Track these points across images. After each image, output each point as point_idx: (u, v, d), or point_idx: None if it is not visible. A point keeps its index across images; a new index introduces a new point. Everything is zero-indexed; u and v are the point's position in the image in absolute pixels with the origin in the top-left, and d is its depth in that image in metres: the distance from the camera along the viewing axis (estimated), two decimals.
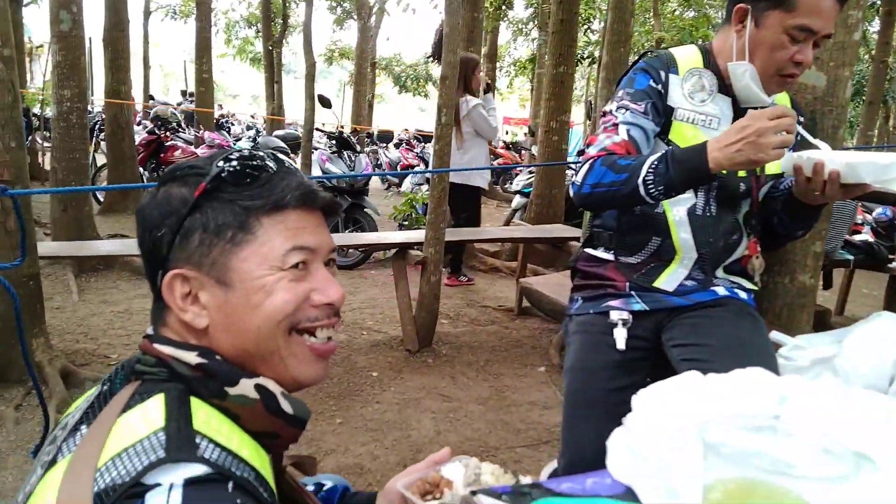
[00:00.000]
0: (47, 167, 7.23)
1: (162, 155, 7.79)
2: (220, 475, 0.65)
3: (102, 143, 8.26)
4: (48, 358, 3.12)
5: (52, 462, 0.69)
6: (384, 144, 14.64)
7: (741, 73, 1.46)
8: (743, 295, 1.59)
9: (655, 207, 1.54)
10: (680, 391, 0.73)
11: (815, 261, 1.91)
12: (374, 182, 11.97)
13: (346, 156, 6.36)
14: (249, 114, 24.41)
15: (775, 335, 1.66)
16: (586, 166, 1.47)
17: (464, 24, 5.75)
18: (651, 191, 1.37)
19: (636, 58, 1.62)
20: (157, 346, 0.77)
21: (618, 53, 3.79)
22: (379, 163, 12.76)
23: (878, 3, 10.15)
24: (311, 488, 1.07)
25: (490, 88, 5.08)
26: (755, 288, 1.65)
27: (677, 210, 1.53)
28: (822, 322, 5.14)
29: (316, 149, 7.48)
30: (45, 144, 9.00)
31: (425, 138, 14.29)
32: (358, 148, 6.56)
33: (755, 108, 1.48)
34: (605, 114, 1.57)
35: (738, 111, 1.52)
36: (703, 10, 14.23)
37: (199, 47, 12.07)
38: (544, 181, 6.43)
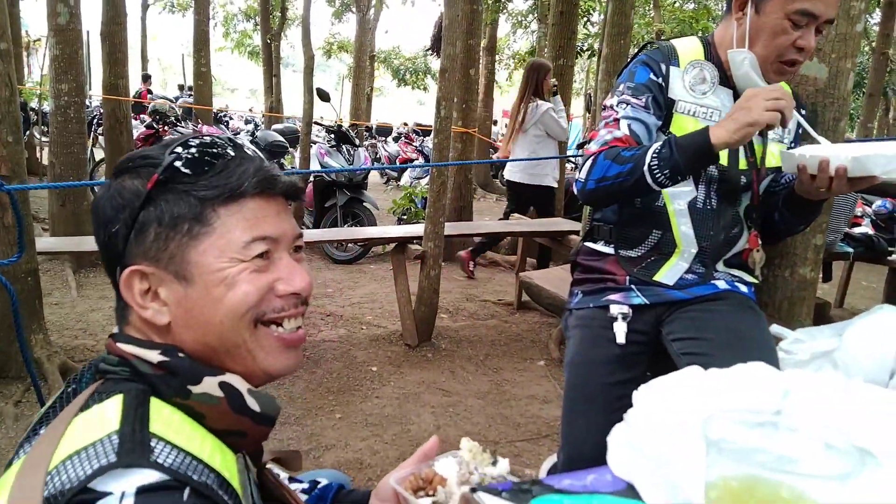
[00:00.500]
0: (45, 162, 7.21)
1: None
2: (175, 482, 0.62)
3: (100, 138, 8.23)
4: (47, 354, 3.12)
5: (9, 463, 0.68)
6: (383, 138, 14.60)
7: (740, 61, 1.46)
8: (743, 288, 1.59)
9: (656, 200, 1.53)
10: (681, 386, 0.73)
11: (816, 254, 1.90)
12: (373, 176, 11.95)
13: (344, 150, 6.34)
14: (247, 108, 24.35)
15: (776, 328, 1.66)
16: (589, 162, 1.47)
17: (463, 17, 5.72)
18: (657, 176, 1.36)
19: (637, 49, 1.61)
20: (119, 344, 0.75)
21: (618, 45, 3.76)
22: (378, 157, 12.73)
23: None
24: (305, 486, 1.05)
25: (557, 91, 5.19)
26: (756, 281, 1.64)
27: (678, 203, 1.52)
28: (821, 315, 5.13)
29: (314, 143, 7.46)
30: (43, 139, 8.97)
31: (424, 132, 14.25)
32: (357, 142, 6.53)
33: None
34: (605, 108, 1.56)
35: None
36: (703, 2, 14.17)
37: (196, 40, 12.01)
38: None
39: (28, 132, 8.19)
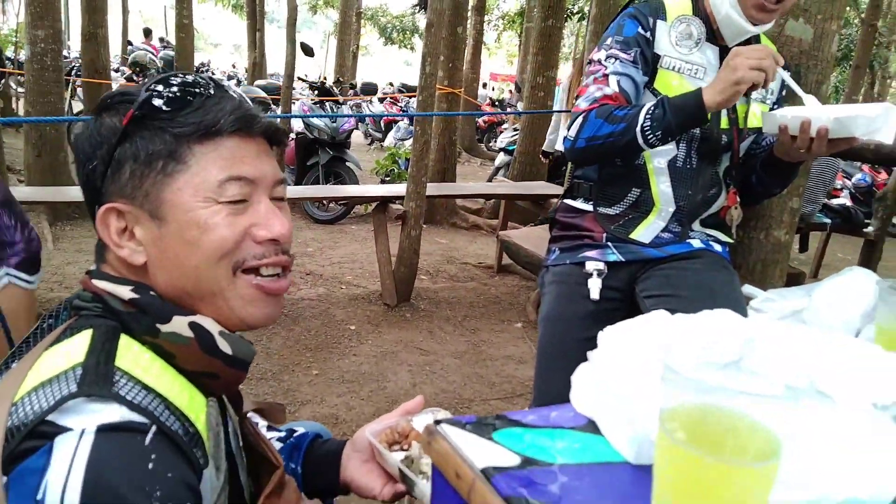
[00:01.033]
0: (21, 113, 7.03)
1: None
2: (136, 423, 0.61)
3: (79, 90, 8.03)
4: None
5: None
6: (368, 98, 14.42)
7: (720, 3, 1.44)
8: (717, 248, 1.60)
9: (636, 158, 1.52)
10: (646, 328, 0.73)
11: (791, 216, 1.91)
12: (357, 137, 11.82)
13: (328, 107, 6.25)
14: (230, 63, 23.85)
15: (748, 289, 1.67)
16: (580, 119, 1.46)
17: None
18: (649, 137, 1.38)
19: (627, 1, 1.58)
20: (94, 281, 0.74)
21: (606, 6, 3.72)
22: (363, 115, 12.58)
23: None
24: (282, 434, 1.05)
25: None
26: (731, 241, 1.65)
27: (658, 161, 1.52)
28: (797, 285, 5.22)
29: (297, 99, 7.34)
30: (19, 90, 8.74)
31: (410, 93, 14.09)
32: (340, 99, 6.44)
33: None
34: (593, 62, 1.53)
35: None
36: None
37: None
38: (529, 138, 6.38)
39: (3, 81, 7.96)
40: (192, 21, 12.26)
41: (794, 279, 5.26)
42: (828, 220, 5.60)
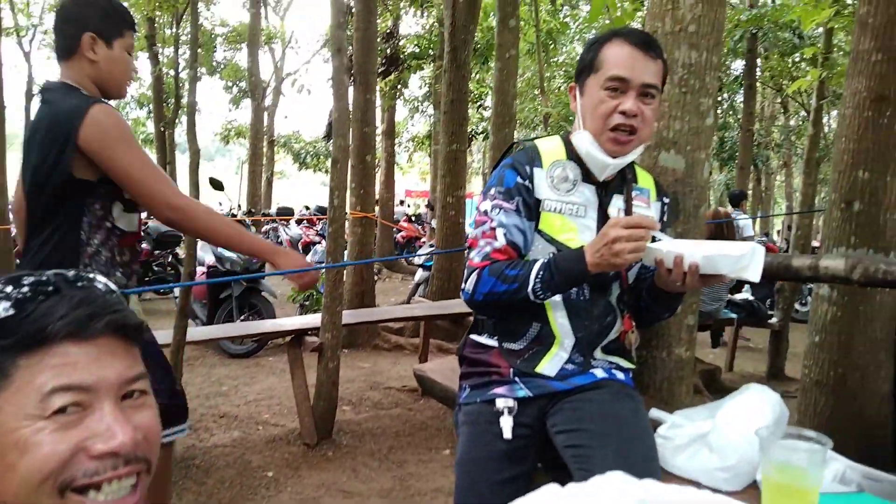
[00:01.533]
0: None
1: None
2: None
3: None
4: None
5: None
6: (285, 220, 14.44)
7: (580, 141, 1.55)
8: (620, 375, 1.61)
9: None
10: None
11: (689, 334, 1.98)
12: None
13: None
14: None
15: (655, 413, 1.69)
16: (474, 276, 1.52)
17: (357, 106, 5.85)
18: (540, 295, 1.47)
19: (504, 151, 1.67)
20: None
21: (503, 133, 3.94)
22: (280, 240, 12.54)
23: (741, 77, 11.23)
24: None
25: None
26: (633, 366, 1.68)
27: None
28: (713, 380, 5.35)
29: None
30: None
31: (325, 214, 14.23)
32: (253, 228, 6.40)
33: (612, 179, 1.58)
34: (479, 212, 1.59)
35: (603, 197, 1.58)
36: None
37: None
38: (444, 256, 6.49)
39: None
40: None
41: (710, 375, 5.41)
42: (734, 315, 5.86)
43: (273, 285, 6.27)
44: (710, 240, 1.47)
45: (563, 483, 0.79)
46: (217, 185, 6.07)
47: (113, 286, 0.76)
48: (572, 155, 1.59)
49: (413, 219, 16.57)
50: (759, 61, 11.19)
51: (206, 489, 3.12)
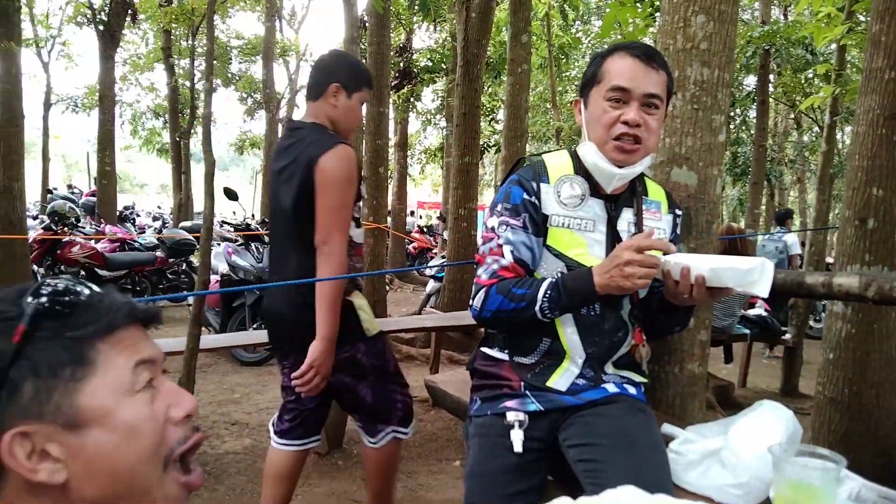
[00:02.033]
0: None
1: (59, 252, 7.40)
2: None
3: None
4: None
5: None
6: None
7: (585, 153, 1.56)
8: (632, 390, 1.62)
9: None
10: None
11: (702, 349, 1.98)
12: None
13: (253, 248, 6.24)
14: (156, 204, 23.76)
15: (667, 428, 1.69)
16: (482, 293, 1.54)
17: (370, 119, 5.91)
18: (548, 314, 1.48)
19: (511, 167, 1.67)
20: None
21: (515, 147, 3.96)
22: None
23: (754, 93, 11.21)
24: None
25: None
26: (645, 381, 1.68)
27: None
28: (725, 396, 5.32)
29: (225, 239, 7.30)
30: None
31: None
32: (266, 239, 6.45)
33: (621, 192, 1.59)
34: (487, 228, 1.60)
35: (612, 211, 1.59)
36: None
37: (101, 139, 11.76)
38: (456, 267, 6.51)
39: None
40: (115, 167, 12.31)
41: (723, 391, 5.38)
42: (747, 331, 5.82)
43: None
44: (722, 255, 1.48)
45: (574, 497, 0.80)
46: (231, 194, 6.14)
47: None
48: (580, 169, 1.59)
49: (425, 230, 16.59)
50: (771, 77, 11.17)
51: (217, 496, 3.14)
